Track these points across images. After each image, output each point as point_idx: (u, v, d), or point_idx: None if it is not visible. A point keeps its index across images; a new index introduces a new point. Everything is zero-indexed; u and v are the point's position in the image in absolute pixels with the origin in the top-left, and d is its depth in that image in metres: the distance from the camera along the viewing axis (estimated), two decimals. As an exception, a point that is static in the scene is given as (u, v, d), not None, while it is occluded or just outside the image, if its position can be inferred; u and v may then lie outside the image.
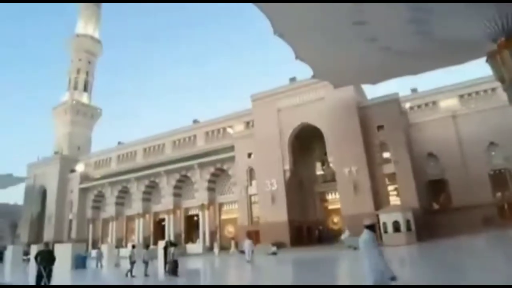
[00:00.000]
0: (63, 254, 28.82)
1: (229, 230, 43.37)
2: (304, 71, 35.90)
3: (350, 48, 23.50)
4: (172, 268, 18.72)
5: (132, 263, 20.01)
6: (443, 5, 17.94)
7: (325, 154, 37.50)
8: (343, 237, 30.17)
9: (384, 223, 28.85)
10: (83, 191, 56.80)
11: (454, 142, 36.86)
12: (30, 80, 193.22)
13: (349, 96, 34.17)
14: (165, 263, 20.10)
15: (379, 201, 31.85)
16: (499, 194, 35.29)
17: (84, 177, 58.04)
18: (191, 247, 41.97)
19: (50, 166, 60.81)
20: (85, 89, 76.77)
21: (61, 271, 25.45)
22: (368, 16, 19.46)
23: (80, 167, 59.67)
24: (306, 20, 20.55)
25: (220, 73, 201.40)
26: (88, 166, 60.65)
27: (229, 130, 44.68)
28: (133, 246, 22.37)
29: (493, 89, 37.77)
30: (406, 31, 20.71)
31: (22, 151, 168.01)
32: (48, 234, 56.41)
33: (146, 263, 19.81)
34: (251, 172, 39.15)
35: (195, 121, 51.84)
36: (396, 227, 28.17)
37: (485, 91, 38.37)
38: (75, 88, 75.58)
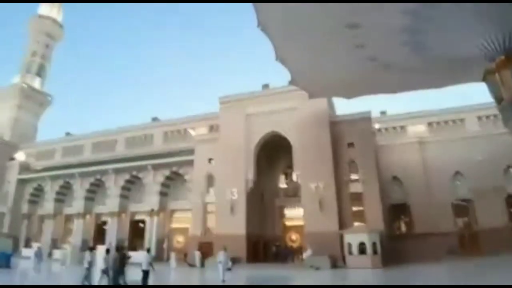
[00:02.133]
0: (-15, 250, 24.94)
1: (179, 240, 40.18)
2: (277, 81, 34.61)
3: (336, 54, 21.94)
4: (143, 278, 15.93)
5: (88, 268, 17.09)
6: (441, 16, 16.82)
7: (289, 167, 35.77)
8: (305, 256, 28.20)
9: (349, 244, 27.24)
10: (21, 183, 50.93)
11: (419, 168, 36.44)
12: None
13: (322, 108, 32.74)
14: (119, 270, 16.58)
15: (343, 220, 30.23)
16: (460, 224, 34.98)
17: (24, 167, 52.22)
18: (136, 256, 38.09)
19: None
20: (39, 73, 70.91)
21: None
22: (361, 18, 18.02)
23: (20, 156, 53.63)
24: (295, 16, 18.67)
25: (188, 75, 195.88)
26: (30, 156, 54.72)
27: (191, 131, 41.79)
28: (91, 249, 18.93)
29: (461, 120, 38.08)
30: (398, 41, 19.48)
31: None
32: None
33: (106, 271, 16.31)
34: (210, 179, 36.46)
35: (154, 119, 48.29)
36: (362, 249, 26.62)
37: (454, 121, 38.49)
38: (28, 71, 69.62)
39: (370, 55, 21.46)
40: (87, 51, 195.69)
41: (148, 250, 17.86)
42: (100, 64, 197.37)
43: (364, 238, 26.72)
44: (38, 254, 25.80)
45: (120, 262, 16.27)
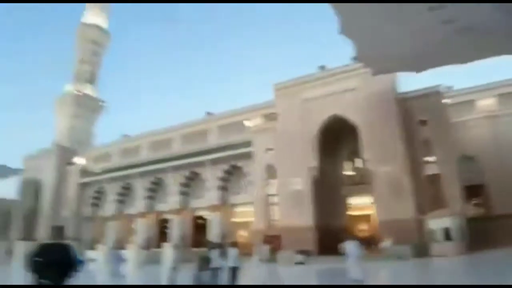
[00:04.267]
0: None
1: (242, 234, 39.43)
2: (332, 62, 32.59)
3: (410, 20, 19.83)
4: (232, 276, 14.15)
5: (173, 268, 16.29)
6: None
7: (353, 153, 33.86)
8: (384, 245, 26.34)
9: (432, 230, 25.12)
10: (82, 187, 52.37)
11: (492, 144, 33.29)
12: (31, 70, 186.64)
13: (387, 86, 30.32)
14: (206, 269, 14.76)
15: (420, 205, 27.94)
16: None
17: (84, 172, 53.50)
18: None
19: (47, 159, 55.83)
20: (90, 80, 72.91)
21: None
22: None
23: (80, 160, 54.78)
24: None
25: (239, 63, 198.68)
26: (89, 160, 55.72)
27: (247, 123, 40.70)
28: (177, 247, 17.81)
29: (537, 89, 34.41)
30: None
31: (21, 144, 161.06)
32: (41, 231, 51.68)
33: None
34: (270, 170, 35.24)
35: (208, 114, 47.56)
36: (446, 235, 24.43)
37: (527, 90, 34.78)
38: (79, 79, 71.82)
39: (446, 17, 19.16)
40: (136, 51, 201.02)
41: (234, 244, 15.71)
42: (151, 64, 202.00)
43: (449, 223, 24.56)
44: (116, 258, 24.03)
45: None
